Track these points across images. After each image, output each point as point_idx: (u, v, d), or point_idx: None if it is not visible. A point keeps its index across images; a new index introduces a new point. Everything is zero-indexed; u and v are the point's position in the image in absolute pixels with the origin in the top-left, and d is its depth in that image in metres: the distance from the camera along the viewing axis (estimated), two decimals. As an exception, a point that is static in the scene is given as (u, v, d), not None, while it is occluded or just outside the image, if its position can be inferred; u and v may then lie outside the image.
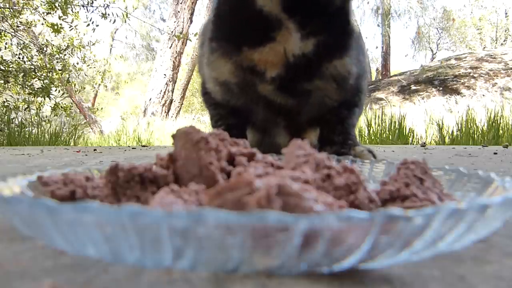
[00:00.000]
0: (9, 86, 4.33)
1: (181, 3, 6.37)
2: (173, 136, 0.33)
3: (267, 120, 1.00)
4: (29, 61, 4.37)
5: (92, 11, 4.33)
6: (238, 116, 1.01)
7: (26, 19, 4.50)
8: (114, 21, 4.41)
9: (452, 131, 3.82)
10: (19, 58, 4.33)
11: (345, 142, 0.94)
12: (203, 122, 6.31)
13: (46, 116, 4.50)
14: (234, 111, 0.99)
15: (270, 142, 1.06)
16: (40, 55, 4.46)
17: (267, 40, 0.84)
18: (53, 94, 4.32)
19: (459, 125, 3.79)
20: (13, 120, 4.08)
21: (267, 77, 0.87)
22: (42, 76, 4.30)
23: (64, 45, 4.71)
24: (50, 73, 4.37)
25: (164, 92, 6.51)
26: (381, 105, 5.44)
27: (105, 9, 4.32)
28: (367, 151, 0.89)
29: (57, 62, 4.57)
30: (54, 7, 3.98)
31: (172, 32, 6.18)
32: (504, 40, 11.42)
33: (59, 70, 4.53)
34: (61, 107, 4.53)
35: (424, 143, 3.10)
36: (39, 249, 0.29)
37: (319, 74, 0.89)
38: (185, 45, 6.87)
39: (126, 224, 0.20)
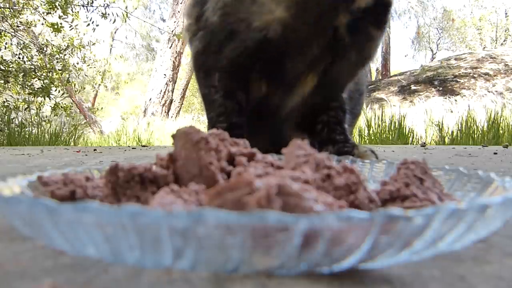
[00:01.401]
0: (9, 86, 4.33)
1: (181, 3, 6.37)
2: (173, 136, 0.33)
3: (294, 68, 0.90)
4: (29, 61, 4.38)
5: (92, 11, 4.33)
6: (240, 113, 0.94)
7: (26, 19, 4.50)
8: (114, 20, 4.41)
9: (452, 131, 3.82)
10: (19, 58, 4.33)
11: (347, 141, 0.95)
12: (203, 122, 6.30)
13: (46, 116, 4.50)
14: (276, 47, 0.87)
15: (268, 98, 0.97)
16: (40, 55, 4.46)
17: None
18: (53, 94, 4.33)
19: (459, 125, 3.79)
20: (13, 120, 4.08)
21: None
22: (42, 76, 4.31)
23: (64, 45, 4.71)
24: (50, 73, 4.38)
25: (164, 92, 6.51)
26: (381, 105, 5.44)
27: (105, 9, 4.32)
28: (369, 151, 0.90)
29: (57, 62, 4.57)
30: (54, 6, 3.99)
31: (172, 31, 6.17)
32: (504, 40, 11.42)
33: (59, 70, 4.53)
34: (61, 107, 4.53)
35: (424, 143, 3.11)
36: (39, 249, 0.29)
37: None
38: (185, 45, 6.87)
39: (126, 224, 0.20)
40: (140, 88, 13.32)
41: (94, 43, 5.32)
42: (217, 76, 0.93)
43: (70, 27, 4.33)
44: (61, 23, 4.15)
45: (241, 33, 0.86)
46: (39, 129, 4.09)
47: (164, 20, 11.62)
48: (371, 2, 0.85)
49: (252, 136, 1.04)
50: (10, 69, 4.16)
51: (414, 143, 3.82)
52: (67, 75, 4.73)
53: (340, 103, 1.00)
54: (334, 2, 0.83)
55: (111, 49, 12.23)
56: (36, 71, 4.30)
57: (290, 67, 0.90)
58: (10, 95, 4.56)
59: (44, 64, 4.39)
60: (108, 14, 4.33)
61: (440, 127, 3.90)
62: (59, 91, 4.56)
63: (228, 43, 0.89)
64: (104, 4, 4.35)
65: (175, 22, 6.33)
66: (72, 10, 4.26)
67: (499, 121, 3.62)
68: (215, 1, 0.91)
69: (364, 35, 0.90)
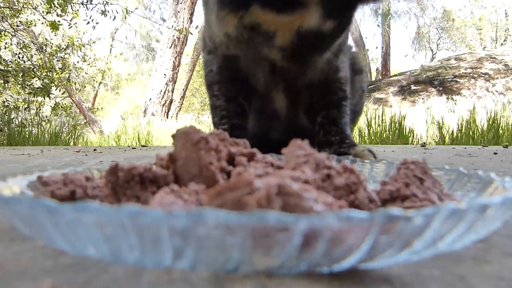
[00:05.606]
0: (9, 86, 4.33)
1: (181, 3, 6.36)
2: (173, 136, 0.33)
3: (267, 82, 0.99)
4: (29, 60, 4.37)
5: (92, 9, 4.33)
6: (242, 115, 1.00)
7: (26, 19, 4.50)
8: (114, 18, 4.41)
9: (452, 131, 3.82)
10: (19, 57, 4.33)
11: (343, 141, 0.95)
12: (203, 122, 6.31)
13: (46, 116, 4.50)
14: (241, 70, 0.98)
15: (268, 107, 1.06)
16: (40, 55, 4.46)
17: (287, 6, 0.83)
18: (53, 94, 4.33)
19: (459, 125, 3.79)
20: (13, 120, 4.08)
21: (276, 42, 0.86)
22: (42, 76, 4.31)
23: (64, 44, 4.71)
24: (50, 72, 4.38)
25: (164, 92, 6.51)
26: (381, 105, 5.43)
27: (104, 6, 4.32)
28: (367, 151, 0.90)
29: (57, 61, 4.58)
30: (53, 5, 3.98)
31: (172, 26, 6.16)
32: (504, 40, 11.42)
33: (59, 69, 4.53)
34: (61, 107, 4.53)
35: (424, 143, 3.11)
36: (39, 249, 0.29)
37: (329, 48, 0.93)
38: (185, 45, 6.87)
39: (126, 224, 0.20)
40: (140, 88, 13.33)
41: (94, 42, 5.32)
42: (216, 87, 1.04)
43: (69, 25, 4.33)
44: (59, 21, 4.14)
45: (217, 50, 1.00)
46: (39, 129, 4.09)
47: (164, 20, 11.60)
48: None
49: (264, 130, 1.11)
50: (10, 68, 4.16)
51: (414, 143, 3.82)
52: (67, 75, 4.73)
53: (336, 97, 1.00)
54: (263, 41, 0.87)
55: (111, 49, 12.22)
56: (36, 70, 4.30)
57: (254, 82, 1.00)
58: (10, 95, 4.57)
59: (44, 63, 4.39)
60: (108, 12, 4.33)
61: (440, 127, 3.90)
62: (59, 90, 4.56)
63: (214, 61, 1.03)
64: (103, 2, 4.34)
65: (175, 22, 6.33)
66: (71, 8, 4.26)
67: (499, 121, 3.62)
68: (205, 26, 1.06)
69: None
